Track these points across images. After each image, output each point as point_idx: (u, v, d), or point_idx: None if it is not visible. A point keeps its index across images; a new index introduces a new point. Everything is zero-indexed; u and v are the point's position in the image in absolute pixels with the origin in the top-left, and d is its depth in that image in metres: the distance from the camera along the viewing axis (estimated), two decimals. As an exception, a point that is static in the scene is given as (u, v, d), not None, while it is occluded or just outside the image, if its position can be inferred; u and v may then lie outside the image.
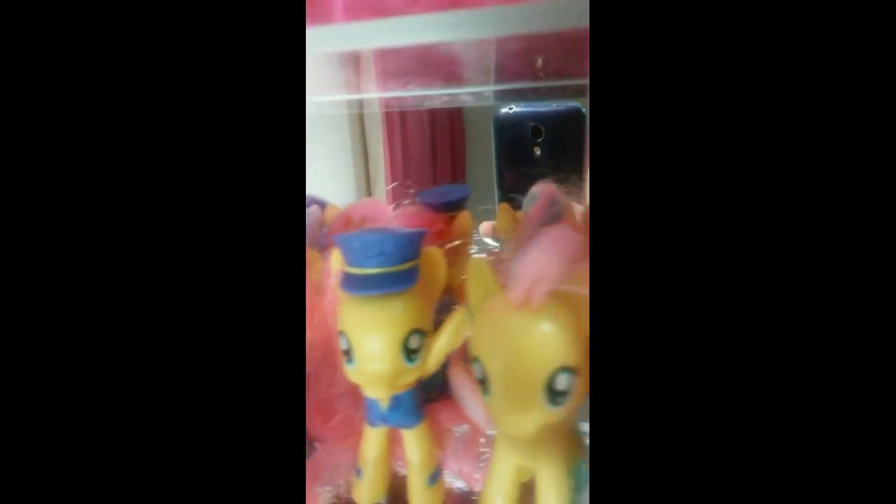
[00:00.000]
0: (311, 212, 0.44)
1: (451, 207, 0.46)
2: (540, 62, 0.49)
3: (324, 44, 0.23)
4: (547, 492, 0.29)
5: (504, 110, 0.71)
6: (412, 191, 0.48)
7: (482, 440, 0.36)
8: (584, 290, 0.25)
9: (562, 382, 0.24)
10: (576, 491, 0.29)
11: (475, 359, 0.26)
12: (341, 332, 0.30)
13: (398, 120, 1.13)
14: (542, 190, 0.45)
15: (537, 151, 0.85)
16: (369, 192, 1.17)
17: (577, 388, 0.25)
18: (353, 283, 0.30)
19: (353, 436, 0.36)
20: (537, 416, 0.24)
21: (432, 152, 1.18)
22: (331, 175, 1.09)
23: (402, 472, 0.35)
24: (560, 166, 0.82)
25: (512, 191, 0.74)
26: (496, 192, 0.73)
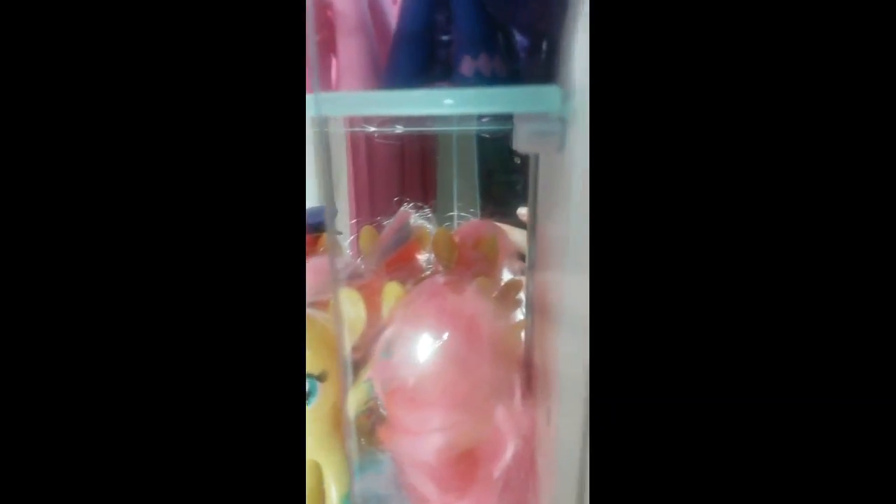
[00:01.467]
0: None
1: (314, 229, 0.51)
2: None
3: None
4: (328, 479, 0.35)
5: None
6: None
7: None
8: (321, 315, 0.32)
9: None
10: (355, 477, 0.35)
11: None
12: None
13: (364, 137, 1.19)
14: (397, 215, 0.51)
15: (517, 160, 0.93)
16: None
17: (326, 390, 0.31)
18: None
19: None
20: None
21: (400, 168, 1.23)
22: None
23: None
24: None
25: (495, 202, 0.81)
26: (478, 202, 0.81)
